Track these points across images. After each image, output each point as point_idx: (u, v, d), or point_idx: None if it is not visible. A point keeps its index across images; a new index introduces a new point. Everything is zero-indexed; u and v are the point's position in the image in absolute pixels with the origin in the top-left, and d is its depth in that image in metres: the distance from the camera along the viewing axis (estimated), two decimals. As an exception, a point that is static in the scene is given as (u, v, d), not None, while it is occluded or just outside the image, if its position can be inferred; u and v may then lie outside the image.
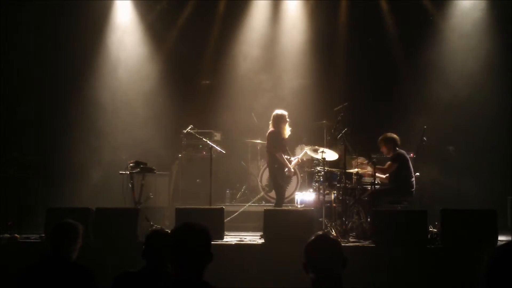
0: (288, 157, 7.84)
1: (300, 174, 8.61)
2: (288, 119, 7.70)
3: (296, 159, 8.01)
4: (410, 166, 7.46)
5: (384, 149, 7.58)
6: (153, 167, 8.37)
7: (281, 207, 7.66)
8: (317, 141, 8.65)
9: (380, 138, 7.63)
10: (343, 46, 9.67)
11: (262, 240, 6.66)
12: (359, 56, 9.52)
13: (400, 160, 7.42)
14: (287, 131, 7.74)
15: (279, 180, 7.69)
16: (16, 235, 7.00)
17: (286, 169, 7.72)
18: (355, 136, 8.09)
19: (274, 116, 7.71)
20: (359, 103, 9.15)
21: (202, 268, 2.54)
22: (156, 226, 7.33)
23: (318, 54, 9.69)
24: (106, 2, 9.68)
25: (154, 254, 3.31)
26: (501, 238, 6.33)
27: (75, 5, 9.23)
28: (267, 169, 8.07)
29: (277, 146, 7.62)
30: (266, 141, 7.86)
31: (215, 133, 9.26)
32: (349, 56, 9.61)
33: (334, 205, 7.89)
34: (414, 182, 7.46)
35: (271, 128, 7.72)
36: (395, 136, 7.58)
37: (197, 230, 2.59)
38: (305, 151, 7.99)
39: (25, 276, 3.48)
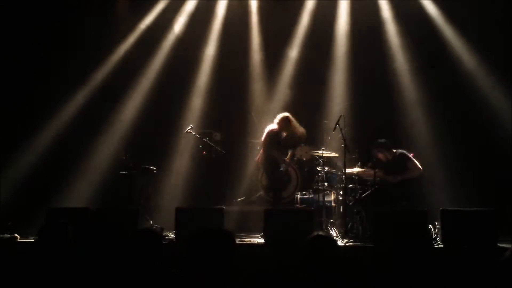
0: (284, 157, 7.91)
1: (301, 174, 8.61)
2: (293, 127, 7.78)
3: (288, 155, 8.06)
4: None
5: (381, 156, 7.58)
6: (153, 167, 8.38)
7: (279, 205, 7.69)
8: (317, 141, 8.66)
9: (373, 146, 7.63)
10: (344, 46, 9.66)
11: (262, 240, 6.66)
12: (360, 57, 9.50)
13: (410, 158, 7.49)
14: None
15: (274, 178, 7.73)
16: (16, 235, 7.01)
17: (281, 166, 7.78)
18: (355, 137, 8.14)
19: (283, 118, 7.76)
20: (359, 104, 9.16)
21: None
22: (156, 226, 7.35)
23: (319, 54, 9.69)
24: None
25: (143, 252, 3.30)
26: (501, 238, 6.32)
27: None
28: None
29: (273, 144, 7.65)
30: (263, 137, 7.89)
31: (215, 133, 9.26)
32: (350, 56, 9.60)
33: (334, 205, 7.91)
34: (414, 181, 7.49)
35: (274, 126, 7.73)
36: (384, 139, 7.62)
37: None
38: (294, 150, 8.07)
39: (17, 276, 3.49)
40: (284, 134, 7.84)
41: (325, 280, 2.67)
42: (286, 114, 7.90)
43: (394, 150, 7.62)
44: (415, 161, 7.50)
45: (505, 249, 1.90)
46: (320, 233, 2.86)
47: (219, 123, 9.54)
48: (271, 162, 7.80)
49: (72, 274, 3.52)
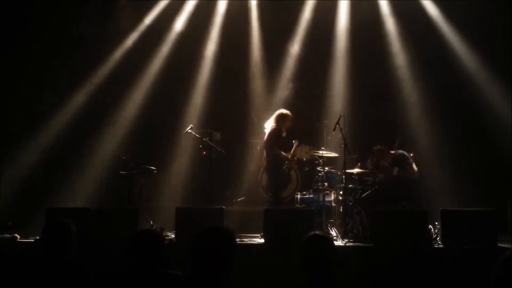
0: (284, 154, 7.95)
1: (301, 174, 8.61)
2: (291, 121, 7.82)
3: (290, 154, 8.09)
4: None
5: (382, 161, 7.61)
6: (153, 167, 8.39)
7: (279, 205, 7.70)
8: (317, 141, 8.66)
9: (374, 153, 7.65)
10: (344, 45, 9.65)
11: (262, 240, 6.66)
12: (361, 56, 9.50)
13: (409, 158, 7.51)
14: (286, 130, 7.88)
15: (277, 177, 7.75)
16: (16, 235, 7.01)
17: (284, 165, 7.81)
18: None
19: (278, 115, 7.82)
20: (358, 104, 9.16)
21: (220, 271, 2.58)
22: (156, 226, 7.35)
23: (319, 54, 9.68)
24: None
25: (143, 253, 3.30)
26: (501, 238, 6.32)
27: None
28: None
29: (274, 143, 7.71)
30: (265, 137, 7.95)
31: (215, 133, 9.26)
32: (350, 56, 9.59)
33: (334, 205, 7.91)
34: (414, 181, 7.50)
35: (272, 125, 7.79)
36: (378, 146, 7.64)
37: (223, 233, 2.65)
38: (295, 146, 8.08)
39: (18, 276, 3.48)
40: (283, 130, 7.87)
41: (324, 280, 2.67)
42: (281, 110, 7.95)
43: (393, 152, 7.64)
44: (413, 164, 7.53)
45: (505, 249, 1.90)
46: (317, 232, 2.86)
47: (219, 123, 9.54)
48: (273, 161, 7.82)
49: (73, 274, 3.52)
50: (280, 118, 7.84)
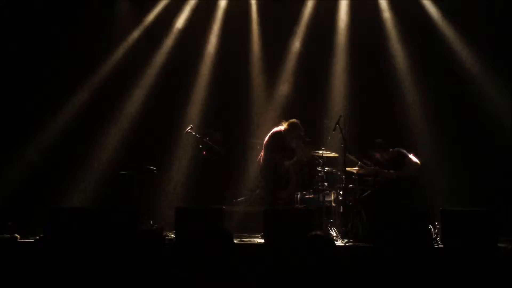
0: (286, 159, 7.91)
1: (300, 175, 8.60)
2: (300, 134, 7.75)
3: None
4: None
5: (378, 156, 7.61)
6: (153, 167, 8.40)
7: (278, 205, 7.68)
8: (317, 141, 8.66)
9: (376, 145, 7.66)
10: (344, 45, 9.65)
11: (262, 240, 6.66)
12: (361, 57, 9.50)
13: (405, 155, 7.51)
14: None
15: (271, 180, 7.75)
16: (16, 235, 7.01)
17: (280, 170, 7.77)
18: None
19: (292, 122, 7.73)
20: (359, 104, 9.16)
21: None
22: (156, 226, 7.36)
23: (319, 54, 9.68)
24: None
25: (143, 253, 3.31)
26: (501, 238, 6.32)
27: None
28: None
29: (274, 147, 7.66)
30: (266, 138, 7.87)
31: (215, 133, 9.26)
32: (350, 56, 9.59)
33: (334, 205, 7.91)
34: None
35: (280, 128, 7.73)
36: (380, 140, 7.65)
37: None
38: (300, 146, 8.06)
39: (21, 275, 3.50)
40: (288, 138, 7.77)
41: (324, 280, 2.68)
42: (296, 120, 7.81)
43: (391, 149, 7.64)
44: (411, 156, 7.52)
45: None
46: (318, 232, 2.87)
47: (219, 123, 9.53)
48: (269, 165, 7.75)
49: (73, 274, 3.53)
50: (292, 126, 7.69)
